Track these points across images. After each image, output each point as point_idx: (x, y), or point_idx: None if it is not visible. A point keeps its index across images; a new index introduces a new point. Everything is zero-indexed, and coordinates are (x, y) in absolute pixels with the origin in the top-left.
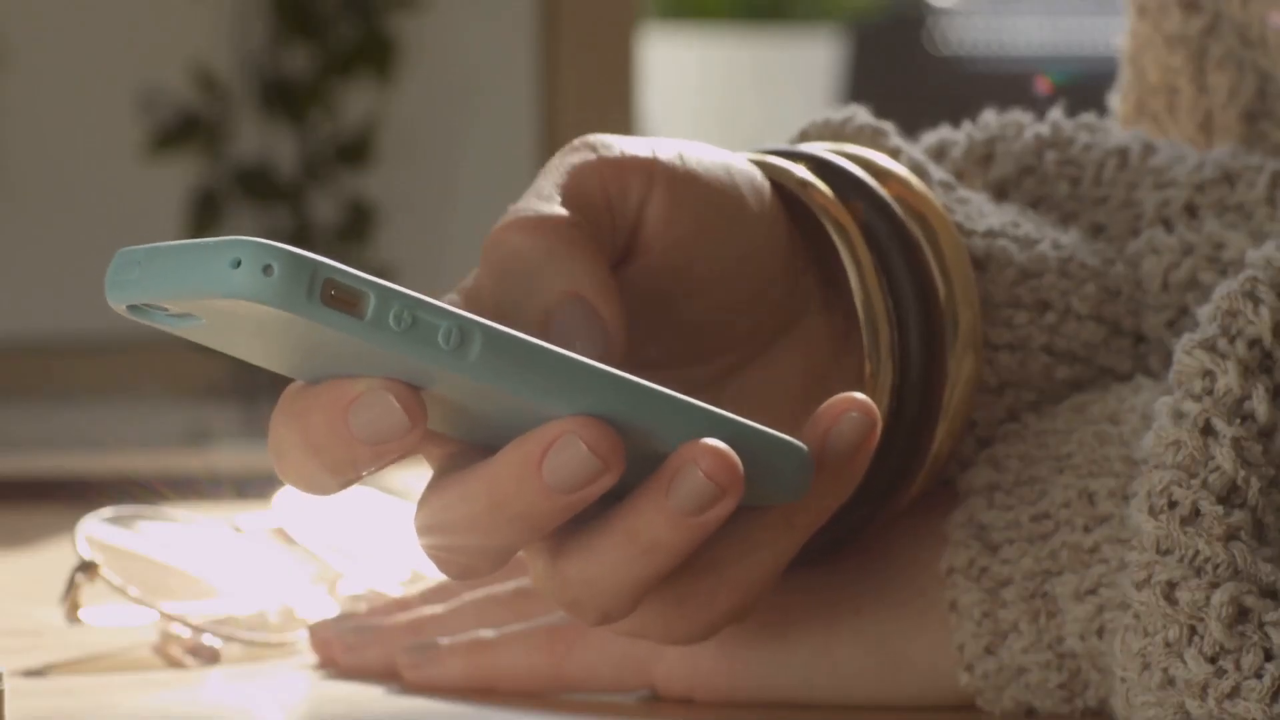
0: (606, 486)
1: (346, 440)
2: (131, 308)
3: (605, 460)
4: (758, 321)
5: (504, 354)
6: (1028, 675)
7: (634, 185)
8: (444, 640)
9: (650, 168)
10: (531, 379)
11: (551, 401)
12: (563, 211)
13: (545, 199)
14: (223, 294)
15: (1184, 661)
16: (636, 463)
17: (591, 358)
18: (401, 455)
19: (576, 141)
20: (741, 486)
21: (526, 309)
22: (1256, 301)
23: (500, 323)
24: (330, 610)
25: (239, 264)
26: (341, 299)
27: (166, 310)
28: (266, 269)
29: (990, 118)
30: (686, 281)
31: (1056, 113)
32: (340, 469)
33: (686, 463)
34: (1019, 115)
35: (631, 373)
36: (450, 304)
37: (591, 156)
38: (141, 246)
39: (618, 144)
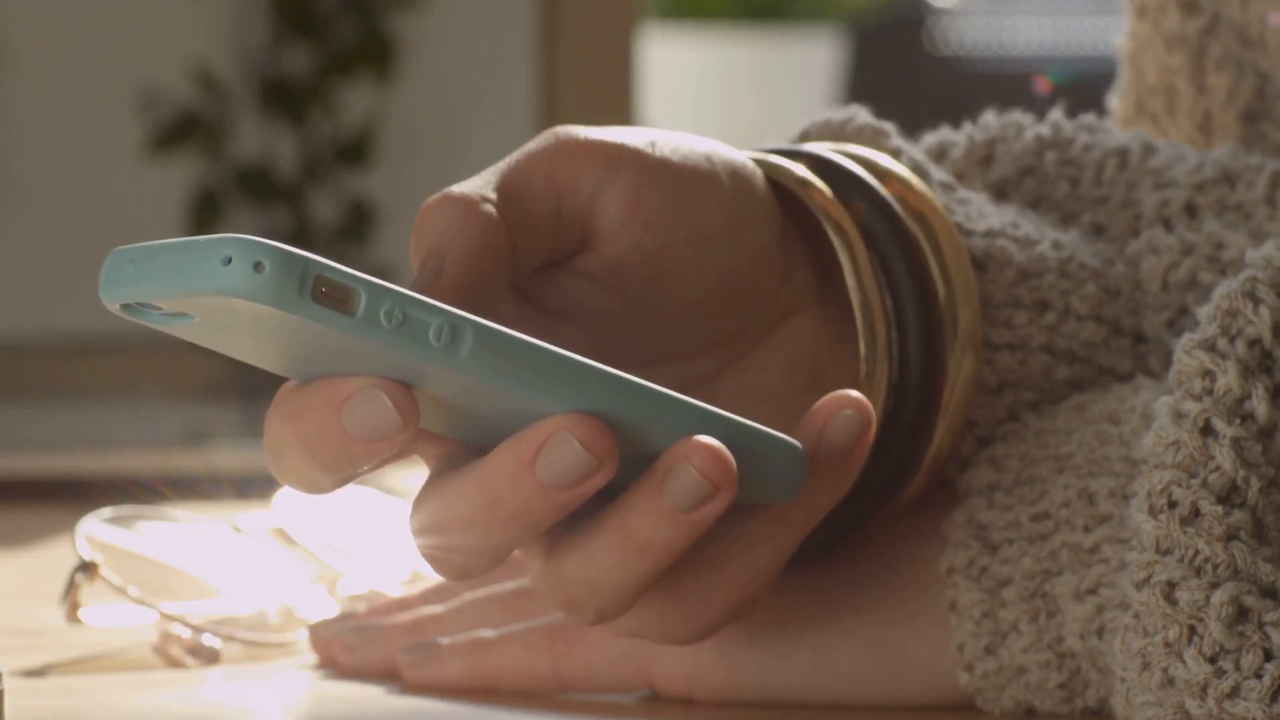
0: (601, 484)
1: (341, 439)
2: (125, 306)
3: (599, 457)
4: (749, 314)
5: (495, 351)
6: (1028, 675)
7: (589, 173)
8: (444, 640)
9: (614, 154)
10: (524, 376)
11: (544, 399)
12: (476, 191)
13: (478, 181)
14: (214, 291)
15: (1184, 661)
16: (630, 461)
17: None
18: (395, 454)
19: (546, 131)
20: (735, 484)
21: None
22: (1256, 301)
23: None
24: (330, 610)
25: (230, 261)
26: (333, 296)
27: (160, 309)
28: (257, 266)
29: (990, 118)
30: (664, 268)
31: (1056, 113)
32: (335, 468)
33: (679, 460)
34: (1019, 116)
35: (624, 369)
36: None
37: (549, 143)
38: (135, 245)
39: (583, 132)
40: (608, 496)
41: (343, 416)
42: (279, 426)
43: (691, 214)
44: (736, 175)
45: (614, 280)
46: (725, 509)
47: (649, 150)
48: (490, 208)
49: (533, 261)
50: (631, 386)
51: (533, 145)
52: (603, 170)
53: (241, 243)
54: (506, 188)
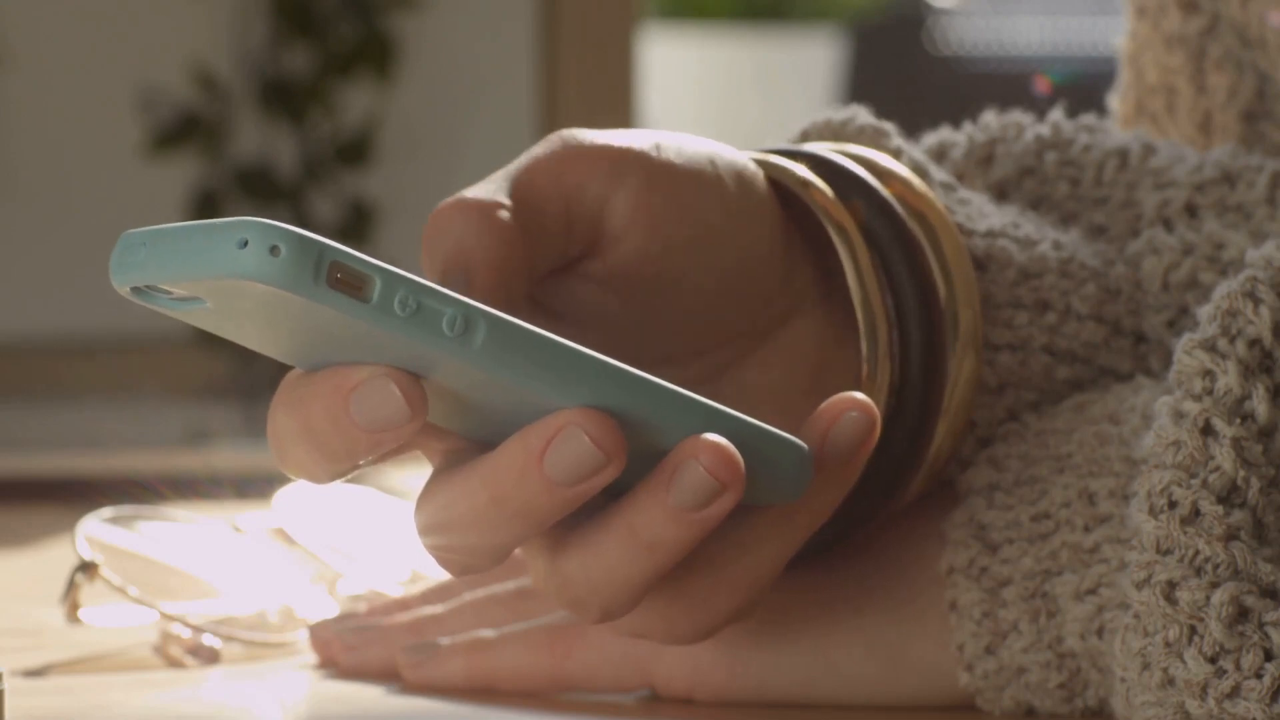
0: (608, 480)
1: (347, 428)
2: (135, 290)
3: (608, 453)
4: (752, 314)
5: (508, 343)
6: (1028, 675)
7: (597, 176)
8: (444, 640)
9: (621, 158)
10: (534, 369)
11: (554, 393)
12: (490, 197)
13: (490, 186)
14: (229, 275)
15: (1184, 661)
16: (637, 458)
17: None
18: (401, 445)
19: (552, 134)
20: (742, 483)
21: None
22: (1256, 301)
23: None
24: (330, 610)
25: (246, 244)
26: (347, 282)
27: (170, 293)
28: (273, 250)
29: (990, 119)
30: (670, 270)
31: (1056, 113)
32: (339, 457)
33: (688, 458)
34: (1019, 116)
35: (632, 367)
36: None
37: (556, 147)
38: (146, 228)
39: (589, 136)
40: (612, 495)
41: (350, 405)
42: (284, 414)
43: (696, 216)
44: (739, 177)
45: (618, 283)
46: (732, 508)
47: (655, 153)
48: (506, 214)
49: (543, 267)
50: (642, 383)
51: (540, 150)
52: (610, 173)
53: (257, 226)
54: (519, 193)
